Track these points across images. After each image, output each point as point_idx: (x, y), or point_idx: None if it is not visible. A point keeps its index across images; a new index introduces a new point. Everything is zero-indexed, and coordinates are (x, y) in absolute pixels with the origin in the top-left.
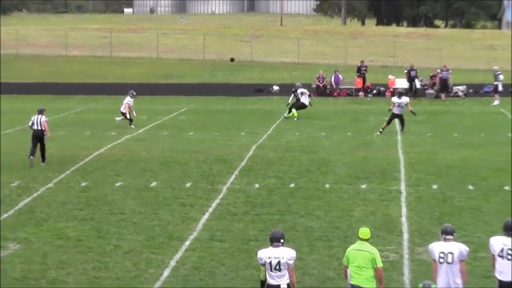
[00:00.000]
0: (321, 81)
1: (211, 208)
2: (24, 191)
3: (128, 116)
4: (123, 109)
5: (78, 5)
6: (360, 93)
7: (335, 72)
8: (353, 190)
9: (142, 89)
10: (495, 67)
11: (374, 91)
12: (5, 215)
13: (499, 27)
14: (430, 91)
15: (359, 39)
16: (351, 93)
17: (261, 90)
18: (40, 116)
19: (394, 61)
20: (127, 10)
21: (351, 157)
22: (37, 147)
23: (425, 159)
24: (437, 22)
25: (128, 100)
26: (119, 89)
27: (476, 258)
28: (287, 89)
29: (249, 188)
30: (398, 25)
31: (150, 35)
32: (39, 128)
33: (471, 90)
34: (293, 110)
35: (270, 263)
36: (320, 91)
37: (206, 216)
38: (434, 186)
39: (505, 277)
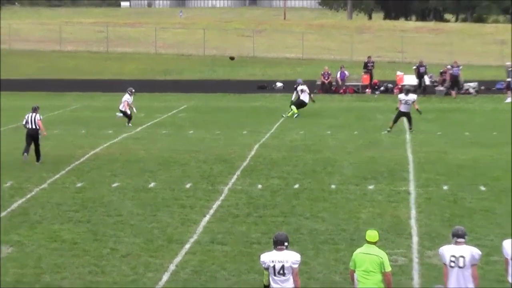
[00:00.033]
0: (326, 78)
1: (212, 209)
2: (17, 192)
3: (128, 112)
4: (122, 107)
5: None
6: (367, 90)
7: (341, 68)
8: (360, 191)
9: (140, 86)
10: (508, 63)
11: (382, 88)
12: None
13: (511, 21)
14: (440, 88)
15: (366, 34)
16: (358, 90)
17: (264, 87)
18: (34, 114)
19: (403, 56)
20: (124, 4)
21: (358, 156)
22: (31, 145)
23: (435, 159)
24: (447, 16)
25: (126, 97)
26: (115, 86)
27: (488, 262)
28: (291, 85)
29: (251, 189)
30: (406, 19)
31: (148, 29)
32: (33, 127)
33: (482, 87)
34: (292, 107)
35: (274, 267)
36: (326, 88)
37: (207, 218)
38: (445, 187)
39: None
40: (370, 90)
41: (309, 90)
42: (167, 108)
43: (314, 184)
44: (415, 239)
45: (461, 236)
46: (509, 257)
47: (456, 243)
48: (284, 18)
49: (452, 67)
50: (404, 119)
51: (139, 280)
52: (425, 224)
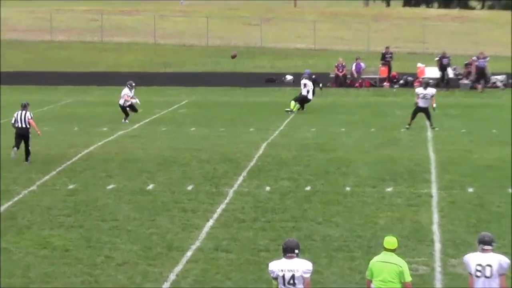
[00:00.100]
0: (340, 70)
1: (216, 214)
2: (3, 195)
3: (126, 108)
4: (122, 102)
5: None
6: (385, 83)
7: (356, 59)
8: (377, 193)
9: (138, 79)
10: None
11: (401, 81)
12: None
13: None
14: (465, 81)
15: (384, 22)
16: (375, 84)
17: (273, 80)
18: (24, 112)
19: (424, 47)
20: None
21: (375, 156)
22: (21, 144)
23: (459, 159)
24: (472, 3)
25: (126, 91)
26: (111, 79)
27: None
28: None
29: (259, 191)
30: (428, 6)
31: (146, 17)
32: (24, 125)
33: (511, 80)
34: (292, 102)
35: (283, 276)
36: (340, 81)
37: (210, 223)
38: (470, 189)
39: None
40: (388, 84)
41: (316, 84)
42: (167, 103)
43: (327, 186)
44: (437, 246)
45: (488, 243)
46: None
47: (483, 250)
48: (295, 6)
49: (478, 58)
50: (423, 115)
51: None
52: (448, 230)
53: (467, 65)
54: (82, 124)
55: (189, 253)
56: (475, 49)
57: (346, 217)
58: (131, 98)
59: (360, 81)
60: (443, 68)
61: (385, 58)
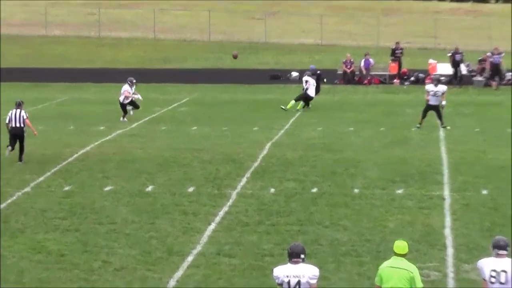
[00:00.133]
0: (348, 67)
1: (218, 217)
2: None
3: (130, 102)
4: (122, 99)
5: None
6: (395, 80)
7: (365, 55)
8: (387, 196)
9: (137, 75)
10: None
11: (412, 78)
12: None
13: None
14: (479, 78)
15: (394, 16)
16: (384, 81)
17: (277, 76)
18: (18, 110)
19: (436, 42)
20: None
21: (385, 156)
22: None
23: (473, 159)
24: None
25: (126, 88)
26: (108, 76)
27: None
28: None
29: (263, 193)
30: None
31: (146, 11)
32: (19, 125)
33: None
34: (292, 102)
35: (289, 282)
36: (348, 78)
37: (212, 226)
38: (484, 191)
39: None
40: (398, 81)
41: (321, 80)
42: (167, 101)
43: (334, 188)
44: (450, 251)
45: (503, 247)
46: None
47: (497, 255)
48: None
49: (493, 54)
50: (434, 114)
51: None
52: (461, 233)
53: (481, 61)
54: (78, 122)
55: (190, 258)
56: (489, 44)
57: (354, 220)
58: (132, 94)
59: (369, 78)
60: (455, 64)
61: (395, 54)
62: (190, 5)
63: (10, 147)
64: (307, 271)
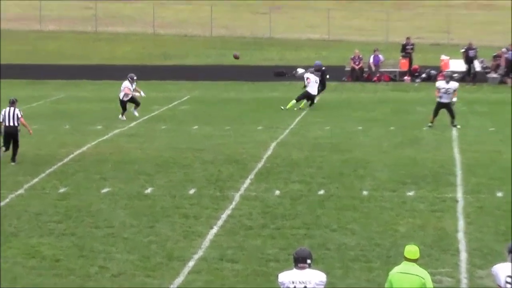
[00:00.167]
0: (357, 63)
1: (221, 220)
2: None
3: (131, 99)
4: (122, 96)
5: None
6: (405, 77)
7: (374, 51)
8: (397, 198)
9: (135, 72)
10: None
11: (423, 75)
12: None
13: None
14: (493, 75)
15: (404, 11)
16: (395, 78)
17: (283, 73)
18: (12, 109)
19: (448, 37)
20: None
21: (395, 157)
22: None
23: (487, 160)
24: None
25: (126, 84)
26: (106, 72)
27: None
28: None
29: (267, 195)
30: None
31: (144, 5)
32: (12, 124)
33: None
34: (292, 101)
35: None
36: (356, 75)
37: (214, 230)
38: (499, 194)
39: None
40: (409, 78)
41: (325, 77)
42: (167, 99)
43: (342, 190)
44: (463, 255)
45: None
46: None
47: None
48: None
49: (508, 50)
50: (446, 112)
51: None
52: (475, 238)
53: (496, 57)
54: (74, 121)
55: (191, 263)
56: (504, 39)
57: (363, 224)
58: (132, 91)
59: (378, 75)
60: (469, 60)
61: (406, 50)
62: None
63: (4, 148)
64: (313, 277)
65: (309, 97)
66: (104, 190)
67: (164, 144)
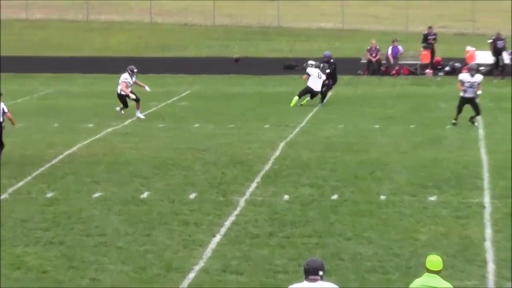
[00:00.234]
0: (373, 55)
1: (224, 228)
2: None
3: (124, 97)
4: (120, 89)
5: None
6: (427, 70)
7: (393, 42)
8: (418, 203)
9: (131, 65)
10: None
11: (447, 68)
12: None
13: None
14: None
15: None
16: (415, 71)
17: (292, 66)
18: None
19: (474, 27)
20: None
21: (415, 158)
22: None
23: None
24: None
25: (124, 77)
26: (98, 65)
27: None
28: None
29: (275, 200)
30: None
31: None
32: None
33: None
34: (295, 98)
35: None
36: (373, 68)
37: (217, 238)
38: None
39: None
40: (431, 71)
41: (335, 70)
42: (165, 94)
43: (357, 194)
44: (491, 266)
45: None
46: None
47: None
48: None
49: None
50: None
51: None
52: (504, 247)
53: None
54: (63, 119)
55: (191, 275)
56: None
57: (380, 232)
58: (131, 85)
59: (397, 68)
60: (497, 52)
61: (428, 40)
62: None
63: None
64: None
65: (312, 93)
66: (96, 195)
67: (162, 143)
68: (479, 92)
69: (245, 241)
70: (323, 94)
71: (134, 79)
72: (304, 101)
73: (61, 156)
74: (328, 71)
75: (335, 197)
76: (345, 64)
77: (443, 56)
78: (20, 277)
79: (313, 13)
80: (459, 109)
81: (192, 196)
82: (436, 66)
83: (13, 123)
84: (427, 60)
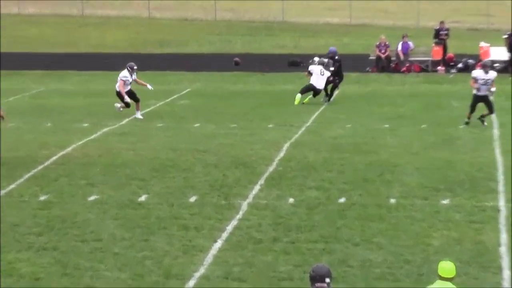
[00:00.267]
0: (383, 51)
1: (226, 232)
2: None
3: (124, 95)
4: (118, 87)
5: None
6: (439, 67)
7: (403, 37)
8: (430, 207)
9: (128, 62)
10: None
11: (460, 65)
12: None
13: None
14: None
15: None
16: (426, 68)
17: (297, 63)
18: None
19: (488, 21)
20: None
21: (427, 159)
22: None
23: None
24: None
25: (123, 75)
26: (94, 62)
27: None
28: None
29: (280, 204)
30: None
31: None
32: None
33: None
34: (297, 96)
35: None
36: (382, 65)
37: (219, 244)
38: None
39: None
40: (443, 68)
41: (340, 66)
42: (164, 93)
43: (366, 197)
44: (506, 273)
45: None
46: None
47: None
48: None
49: None
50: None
51: None
52: None
53: None
54: (57, 119)
55: (191, 283)
56: None
57: (390, 237)
58: (130, 84)
59: (407, 64)
60: None
61: (440, 36)
62: None
63: None
64: None
65: (315, 91)
66: (92, 198)
67: (160, 144)
68: (493, 89)
69: (248, 247)
70: (330, 92)
71: (134, 77)
72: (306, 99)
73: (54, 158)
74: (332, 68)
75: (342, 200)
76: (353, 61)
77: (456, 52)
78: (11, 285)
79: (319, 7)
80: (472, 108)
81: (192, 199)
82: (448, 63)
83: (2, 118)
84: (439, 57)
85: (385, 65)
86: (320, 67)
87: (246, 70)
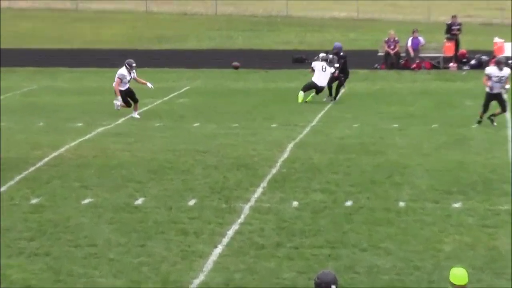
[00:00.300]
0: (392, 47)
1: (226, 237)
2: None
3: (117, 96)
4: (115, 84)
5: None
6: (451, 64)
7: (413, 33)
8: (441, 211)
9: (124, 58)
10: None
11: (473, 62)
12: None
13: None
14: None
15: None
16: (438, 65)
17: (302, 60)
18: None
19: (503, 16)
20: None
21: (438, 161)
22: None
23: None
24: None
25: (121, 73)
26: (88, 59)
27: None
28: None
29: (283, 207)
30: None
31: None
32: None
33: None
34: (300, 93)
35: None
36: (391, 62)
37: (219, 249)
38: None
39: None
40: (455, 65)
41: (345, 63)
42: (162, 91)
43: (374, 200)
44: None
45: None
46: None
47: None
48: None
49: None
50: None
51: None
52: None
53: None
54: (49, 118)
55: None
56: None
57: (399, 242)
58: (128, 82)
59: (418, 61)
60: None
61: (452, 31)
62: None
63: None
64: None
65: (317, 89)
66: (86, 201)
67: (158, 145)
68: (507, 86)
69: (249, 253)
70: (336, 90)
71: (133, 75)
72: (309, 97)
73: (47, 159)
74: (337, 65)
75: (349, 203)
76: (361, 57)
77: (469, 48)
78: None
79: (325, 1)
80: (485, 107)
81: (192, 202)
82: (460, 59)
83: None
84: (450, 53)
85: (394, 61)
86: (323, 63)
87: (248, 67)
